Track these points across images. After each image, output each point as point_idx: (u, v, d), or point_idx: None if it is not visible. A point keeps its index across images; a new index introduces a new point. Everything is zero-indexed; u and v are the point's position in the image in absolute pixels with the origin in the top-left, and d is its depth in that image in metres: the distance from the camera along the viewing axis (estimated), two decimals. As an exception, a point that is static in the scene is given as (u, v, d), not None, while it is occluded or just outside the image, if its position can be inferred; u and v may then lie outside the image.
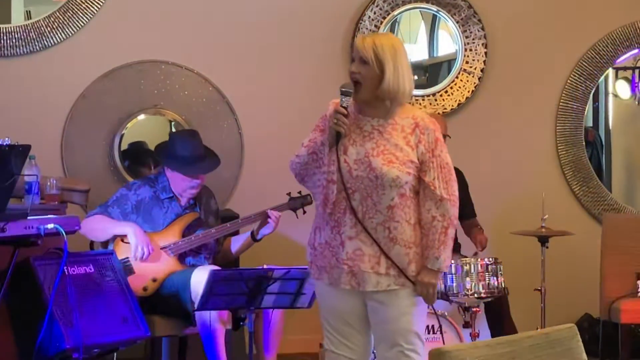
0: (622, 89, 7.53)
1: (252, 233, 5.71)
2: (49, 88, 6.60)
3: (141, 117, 6.72)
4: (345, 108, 3.95)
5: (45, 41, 6.58)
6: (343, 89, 3.97)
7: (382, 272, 3.96)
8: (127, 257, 5.40)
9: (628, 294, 6.16)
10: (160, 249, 5.53)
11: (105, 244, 5.58)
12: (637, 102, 7.55)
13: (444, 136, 6.18)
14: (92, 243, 5.77)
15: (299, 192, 5.74)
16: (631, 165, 7.74)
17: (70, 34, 6.60)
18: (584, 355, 3.07)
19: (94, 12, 6.61)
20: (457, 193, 4.02)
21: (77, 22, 6.60)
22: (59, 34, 6.59)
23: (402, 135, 3.99)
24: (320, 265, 4.07)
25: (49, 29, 6.57)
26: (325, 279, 4.06)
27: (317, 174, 4.01)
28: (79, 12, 6.59)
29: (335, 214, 3.99)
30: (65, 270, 4.70)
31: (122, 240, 5.49)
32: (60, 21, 6.58)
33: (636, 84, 7.51)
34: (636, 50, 7.35)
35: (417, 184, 4.00)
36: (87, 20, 6.60)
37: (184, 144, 5.67)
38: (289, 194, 5.76)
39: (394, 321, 4.01)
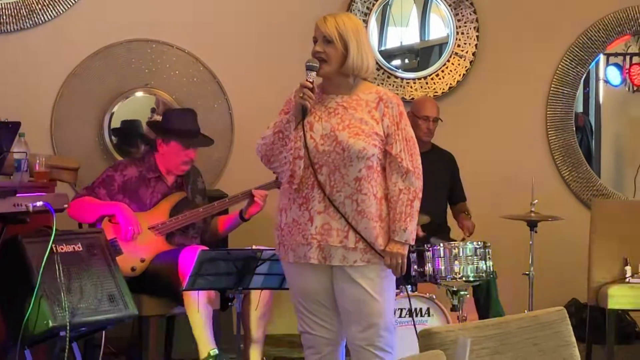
0: (613, 75, 7.53)
1: (240, 212, 5.71)
2: (39, 65, 6.57)
3: (131, 96, 6.70)
4: (311, 82, 4.02)
5: (35, 18, 6.54)
6: (308, 64, 4.04)
7: (351, 247, 4.01)
8: (115, 238, 5.39)
9: (616, 279, 6.17)
10: (148, 228, 5.52)
11: (92, 225, 5.56)
12: (627, 88, 7.54)
13: (437, 119, 6.24)
14: (80, 223, 5.76)
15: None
16: (620, 152, 7.75)
17: (61, 11, 6.57)
18: (573, 339, 3.08)
19: (85, -10, 6.59)
20: (421, 166, 4.10)
21: (68, 0, 6.56)
22: (49, 11, 6.55)
23: (367, 110, 4.06)
24: (286, 244, 4.11)
25: (39, 6, 6.53)
26: (291, 257, 4.10)
27: (283, 152, 4.05)
28: (70, -11, 6.57)
29: (302, 191, 4.04)
30: (54, 248, 4.68)
31: (110, 221, 5.48)
32: (51, -2, 6.55)
33: (626, 71, 7.51)
34: (628, 37, 7.35)
35: (384, 158, 4.07)
36: (78, -3, 6.58)
37: (182, 118, 5.67)
38: (276, 172, 5.76)
39: (365, 301, 4.05)
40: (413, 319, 5.07)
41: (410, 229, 4.03)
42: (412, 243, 4.09)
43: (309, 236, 4.03)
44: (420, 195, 4.08)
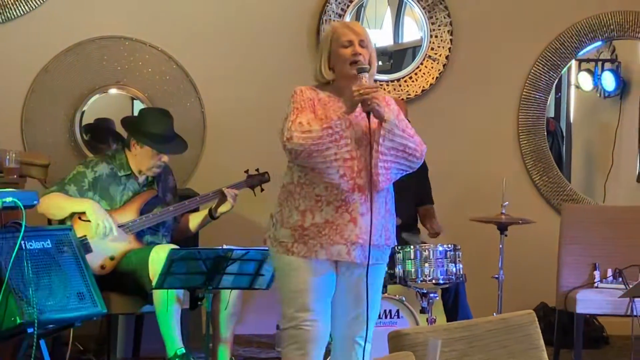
0: (585, 80, 7.57)
1: (209, 210, 5.70)
2: (10, 61, 6.53)
3: (103, 93, 6.67)
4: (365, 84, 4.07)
5: (7, 13, 6.51)
6: (360, 67, 4.10)
7: (383, 244, 4.15)
8: (85, 236, 5.36)
9: (584, 284, 6.20)
10: (118, 226, 5.50)
11: (62, 222, 5.53)
12: (598, 94, 7.58)
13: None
14: (50, 219, 5.72)
15: (257, 170, 5.75)
16: (590, 157, 7.79)
17: (34, 7, 6.54)
18: (542, 342, 3.08)
19: (59, -14, 6.55)
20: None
21: (41, -5, 6.54)
22: (22, 7, 6.52)
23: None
24: (310, 243, 4.09)
25: (12, 0, 6.50)
26: (321, 255, 4.09)
27: (331, 148, 4.02)
28: (43, -15, 6.53)
29: (342, 194, 4.06)
30: (23, 244, 4.65)
31: (80, 218, 5.45)
32: (24, -7, 6.51)
33: (598, 77, 7.55)
34: (599, 43, 7.39)
35: None
36: (51, -7, 6.55)
37: (158, 121, 5.63)
38: (246, 171, 5.76)
39: (371, 298, 4.14)
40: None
41: (397, 124, 4.10)
42: (388, 120, 4.08)
43: (352, 237, 4.06)
44: (417, 152, 4.21)
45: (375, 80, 4.27)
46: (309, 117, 4.08)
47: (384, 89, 7.03)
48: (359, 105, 4.06)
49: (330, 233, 4.07)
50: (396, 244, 4.32)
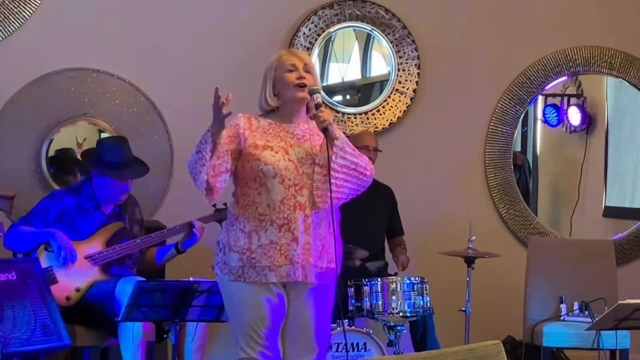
0: (551, 115, 7.62)
1: (176, 244, 5.68)
2: (-24, 92, 6.50)
3: (70, 125, 6.64)
4: (321, 103, 4.12)
5: (-26, 45, 6.49)
6: (313, 88, 4.15)
7: (323, 266, 4.12)
8: (50, 266, 5.34)
9: (551, 317, 6.22)
10: (84, 258, 5.47)
11: (27, 254, 5.49)
12: (564, 129, 7.63)
13: (376, 149, 6.29)
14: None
15: (225, 204, 5.73)
16: (557, 191, 7.83)
17: (1, 39, 6.51)
18: (508, 373, 3.08)
19: (26, 17, 6.53)
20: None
21: (8, 27, 6.51)
22: (-12, 38, 6.50)
23: (321, 139, 4.17)
24: (262, 265, 4.09)
25: (-22, 32, 6.49)
26: (272, 277, 4.09)
27: (201, 172, 4.08)
28: (10, 16, 6.50)
29: (283, 212, 4.08)
30: (-13, 276, 4.62)
31: (46, 249, 5.42)
32: (-9, 25, 6.50)
33: (564, 111, 7.60)
34: (565, 77, 7.44)
35: None
36: (18, 25, 6.52)
37: (114, 149, 5.64)
38: (214, 205, 5.75)
39: (314, 323, 4.15)
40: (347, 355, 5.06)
41: (346, 147, 4.10)
42: (337, 140, 4.10)
43: (294, 256, 4.07)
44: (367, 171, 4.18)
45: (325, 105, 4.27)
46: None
47: (352, 122, 7.05)
48: (315, 122, 4.13)
49: (275, 255, 4.08)
50: (339, 270, 4.29)
